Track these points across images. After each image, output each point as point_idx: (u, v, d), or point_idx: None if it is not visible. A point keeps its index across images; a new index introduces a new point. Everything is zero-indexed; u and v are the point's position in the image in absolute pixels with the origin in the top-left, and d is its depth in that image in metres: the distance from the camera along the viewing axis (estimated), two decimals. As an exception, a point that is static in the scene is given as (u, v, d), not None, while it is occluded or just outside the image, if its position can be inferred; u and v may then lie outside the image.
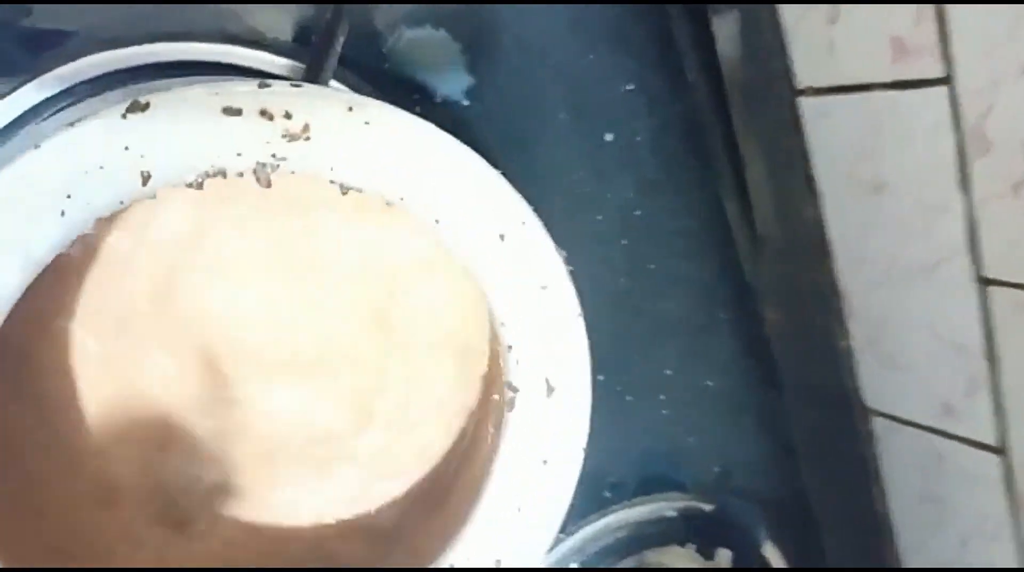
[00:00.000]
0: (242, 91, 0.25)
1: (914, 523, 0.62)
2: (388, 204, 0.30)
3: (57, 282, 0.29)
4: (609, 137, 0.54)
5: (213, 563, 0.37)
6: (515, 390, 0.34)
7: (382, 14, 0.46)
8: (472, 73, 0.50)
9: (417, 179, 0.29)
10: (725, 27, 0.57)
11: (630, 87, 0.54)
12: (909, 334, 0.57)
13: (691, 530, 0.59)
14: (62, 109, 0.39)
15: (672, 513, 0.60)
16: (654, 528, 0.59)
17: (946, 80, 0.48)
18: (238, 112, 0.26)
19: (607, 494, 0.58)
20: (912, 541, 0.63)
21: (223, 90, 0.25)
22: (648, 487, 0.59)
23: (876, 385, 0.61)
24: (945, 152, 0.49)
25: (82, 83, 0.40)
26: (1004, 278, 0.49)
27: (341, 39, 0.40)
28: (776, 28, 0.56)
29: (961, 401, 0.55)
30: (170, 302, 0.32)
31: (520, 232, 0.31)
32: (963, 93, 0.47)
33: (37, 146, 0.24)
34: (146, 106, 0.24)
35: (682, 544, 0.60)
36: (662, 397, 0.58)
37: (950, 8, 0.45)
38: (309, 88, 0.27)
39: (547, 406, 0.33)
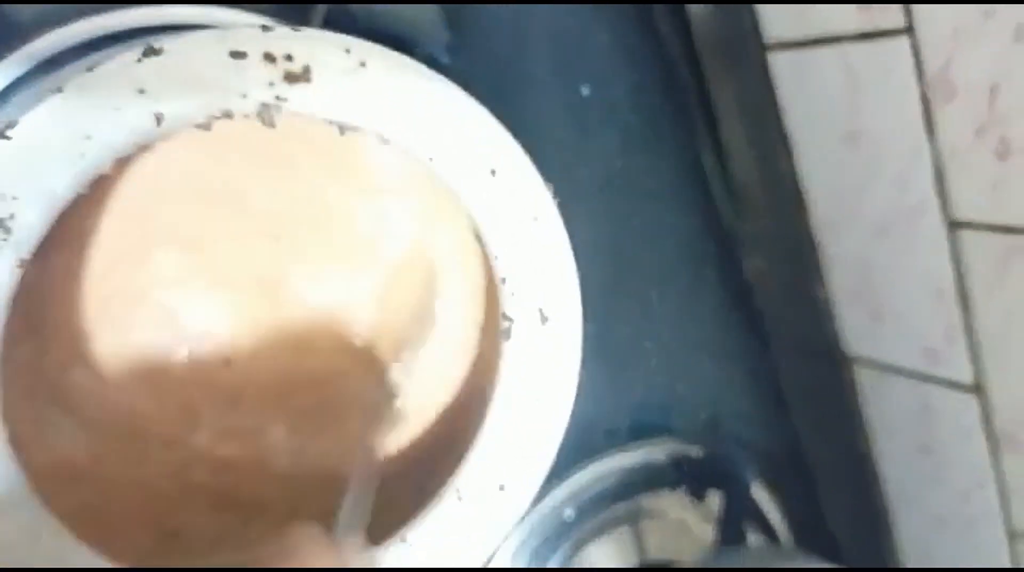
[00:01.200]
0: (247, 35, 0.27)
1: (907, 472, 0.64)
2: (383, 142, 0.31)
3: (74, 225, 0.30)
4: (586, 91, 0.55)
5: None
6: (510, 320, 0.35)
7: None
8: (452, 30, 0.51)
9: (411, 118, 0.31)
10: (694, -17, 0.58)
11: (605, 38, 0.55)
12: (888, 282, 0.58)
13: (682, 474, 0.61)
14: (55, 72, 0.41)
15: (662, 457, 0.61)
16: (646, 473, 0.60)
17: (908, 30, 0.49)
18: (243, 55, 0.27)
19: (600, 441, 0.60)
20: (907, 491, 0.65)
21: (230, 35, 0.27)
22: (639, 433, 0.61)
23: (858, 334, 0.62)
24: (911, 100, 0.50)
25: (70, 49, 0.42)
26: (972, 220, 0.51)
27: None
28: (742, -18, 0.57)
29: (942, 345, 0.56)
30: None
31: (510, 167, 0.33)
32: (924, 42, 0.48)
33: (60, 89, 0.25)
34: (159, 51, 0.26)
35: (673, 488, 0.61)
36: (648, 345, 0.60)
37: None
38: (309, 31, 0.28)
39: (541, 334, 0.35)
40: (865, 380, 0.64)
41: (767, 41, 0.58)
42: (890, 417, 0.64)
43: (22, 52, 0.41)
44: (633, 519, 0.60)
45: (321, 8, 0.40)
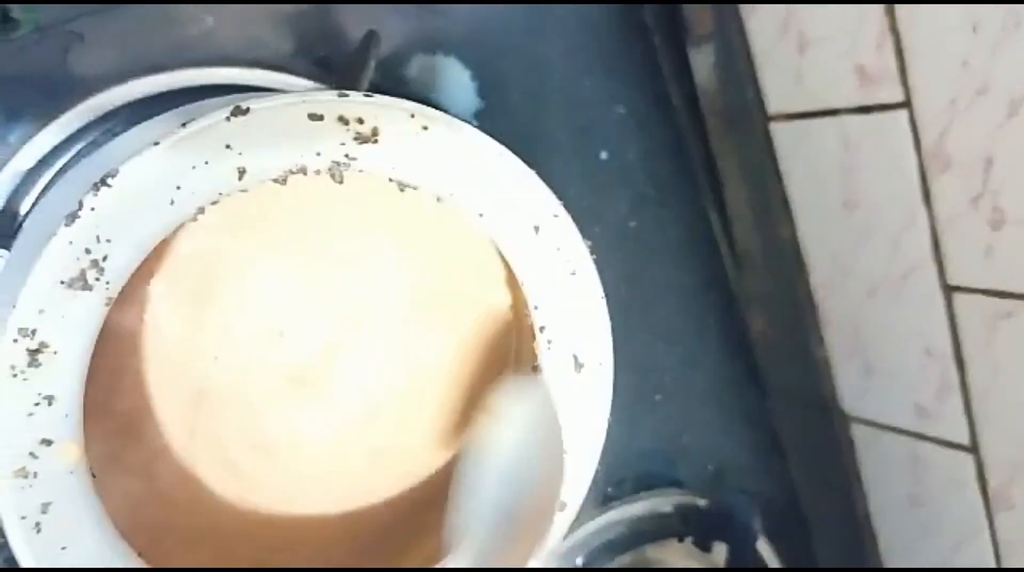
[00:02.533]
0: (325, 99, 0.30)
1: (900, 526, 0.65)
2: (439, 200, 0.34)
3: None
4: (604, 155, 0.58)
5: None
6: (539, 370, 0.38)
7: (399, 41, 0.51)
8: (480, 96, 0.54)
9: (466, 177, 0.34)
10: (702, 58, 0.61)
11: (622, 110, 0.58)
12: (883, 342, 0.61)
13: (688, 525, 0.62)
14: (119, 123, 0.44)
15: (669, 508, 0.62)
16: (653, 523, 0.62)
17: (906, 104, 0.52)
18: (320, 117, 0.30)
19: (608, 491, 0.61)
20: (900, 545, 0.66)
21: (310, 99, 0.29)
22: (646, 484, 0.62)
23: (854, 391, 0.64)
24: (909, 170, 0.53)
25: (128, 104, 0.45)
26: (968, 285, 0.53)
27: (372, 64, 0.45)
28: (748, 59, 0.61)
29: (934, 403, 0.58)
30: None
31: (552, 224, 0.35)
32: (922, 115, 0.51)
33: (157, 143, 0.28)
34: (246, 111, 0.29)
35: (680, 539, 0.62)
36: (658, 398, 0.62)
37: (907, 37, 0.50)
38: (379, 98, 0.31)
39: (575, 381, 0.37)
40: (860, 434, 0.66)
41: (770, 112, 0.61)
42: (884, 470, 0.66)
43: (83, 106, 0.44)
44: (640, 569, 0.61)
45: (369, 70, 0.43)
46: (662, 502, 0.62)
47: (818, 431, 0.68)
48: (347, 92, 0.30)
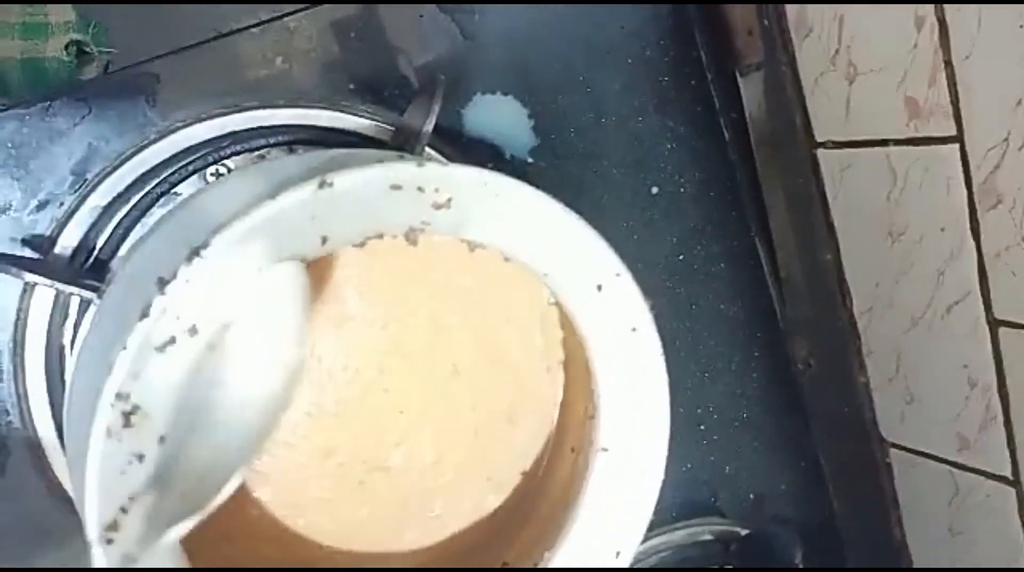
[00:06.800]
0: (405, 170, 0.31)
1: (938, 555, 0.66)
2: (506, 260, 0.35)
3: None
4: (655, 190, 0.59)
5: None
6: (595, 417, 0.39)
7: (460, 81, 0.52)
8: (536, 134, 0.55)
9: (532, 239, 0.35)
10: (751, 87, 0.62)
11: (673, 145, 0.59)
12: (925, 371, 0.61)
13: (729, 553, 0.63)
14: (193, 161, 0.46)
15: (709, 537, 0.63)
16: (694, 551, 0.62)
17: (957, 138, 0.53)
18: (400, 187, 0.31)
19: (651, 518, 0.62)
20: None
21: (391, 170, 0.31)
22: (689, 512, 0.63)
23: (894, 419, 0.65)
24: (958, 203, 0.54)
25: (206, 140, 0.47)
26: (1014, 320, 0.54)
27: (437, 108, 0.46)
28: (797, 87, 0.61)
29: (975, 435, 0.59)
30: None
31: (614, 282, 0.37)
32: (973, 150, 0.52)
33: (245, 215, 0.29)
34: (331, 184, 0.30)
35: (720, 568, 0.63)
36: (702, 428, 0.63)
37: (961, 72, 0.50)
38: (453, 168, 0.32)
39: (632, 433, 0.39)
40: (899, 462, 0.67)
41: (818, 139, 0.61)
42: (923, 498, 0.66)
43: (158, 145, 0.46)
44: (678, 598, 0.62)
45: (434, 114, 0.44)
46: (703, 530, 0.63)
47: (858, 457, 0.68)
48: (424, 162, 0.31)
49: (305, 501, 0.37)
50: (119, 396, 0.28)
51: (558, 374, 0.42)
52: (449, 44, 0.52)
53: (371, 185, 0.31)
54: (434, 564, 0.41)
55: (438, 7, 0.51)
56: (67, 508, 0.46)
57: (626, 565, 0.39)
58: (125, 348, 0.28)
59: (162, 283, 0.29)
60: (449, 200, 0.32)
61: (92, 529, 0.29)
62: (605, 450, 0.39)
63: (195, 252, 0.29)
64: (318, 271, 0.34)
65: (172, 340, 0.29)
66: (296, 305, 0.31)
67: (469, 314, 0.38)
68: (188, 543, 0.32)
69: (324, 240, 0.31)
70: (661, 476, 0.39)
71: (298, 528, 0.38)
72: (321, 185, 0.30)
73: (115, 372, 0.28)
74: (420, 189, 0.32)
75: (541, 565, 0.38)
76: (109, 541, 0.29)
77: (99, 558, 0.29)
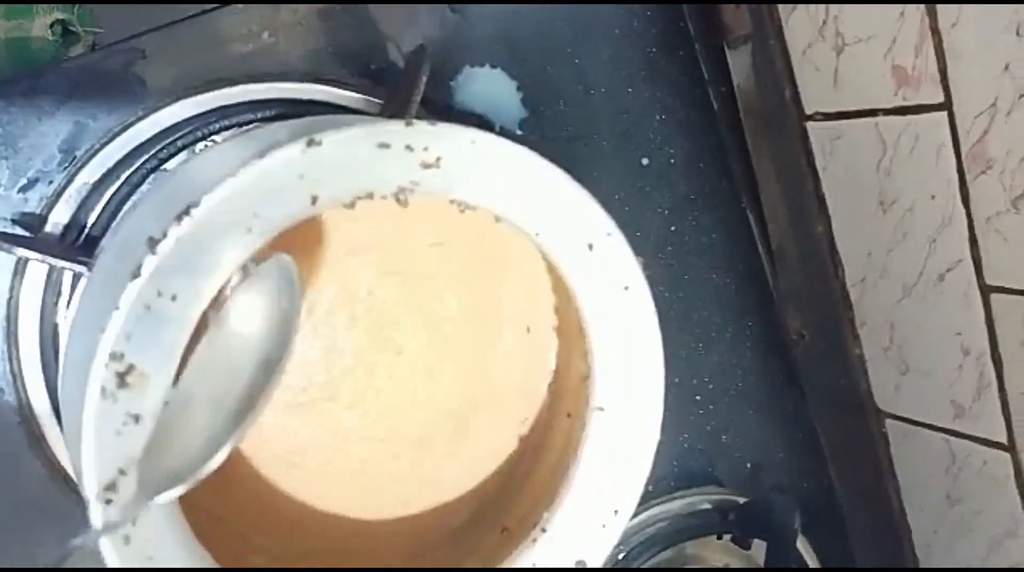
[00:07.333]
0: (393, 129, 0.31)
1: (936, 524, 0.66)
2: (497, 221, 0.35)
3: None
4: (645, 161, 0.59)
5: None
6: (590, 380, 0.39)
7: (447, 54, 0.52)
8: (525, 106, 0.55)
9: (523, 199, 0.35)
10: (740, 58, 0.62)
11: (663, 116, 0.59)
12: (918, 340, 0.61)
13: (727, 522, 0.63)
14: (181, 137, 0.46)
15: (708, 506, 0.63)
16: (692, 520, 0.62)
17: (945, 106, 0.53)
18: (388, 146, 0.31)
19: (649, 488, 0.62)
20: (935, 542, 0.67)
21: (379, 129, 0.31)
22: (686, 482, 0.64)
23: (889, 389, 0.65)
24: (947, 170, 0.54)
25: (189, 118, 0.47)
26: (1006, 285, 0.54)
27: (424, 79, 0.46)
28: (786, 59, 0.62)
29: (970, 402, 0.59)
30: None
31: (606, 241, 0.37)
32: (962, 117, 0.52)
33: (233, 175, 0.29)
34: (319, 143, 0.30)
35: (719, 536, 0.63)
36: (698, 398, 0.63)
37: (949, 40, 0.50)
38: (442, 126, 0.32)
39: (627, 395, 0.39)
40: (895, 431, 0.67)
41: (807, 111, 0.62)
42: (919, 467, 0.66)
43: (147, 121, 0.46)
44: (678, 565, 0.62)
45: (421, 84, 0.44)
46: (701, 500, 0.63)
47: (853, 428, 0.69)
48: (413, 122, 0.31)
49: (302, 463, 0.37)
50: (113, 356, 0.28)
51: (552, 339, 0.42)
52: (437, 17, 0.52)
53: (359, 143, 0.31)
54: (434, 529, 0.41)
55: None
56: (63, 486, 0.46)
57: (624, 523, 0.39)
58: (118, 308, 0.28)
59: (152, 243, 0.29)
60: (438, 159, 0.32)
61: (91, 487, 0.29)
62: (601, 409, 0.39)
63: (185, 211, 0.29)
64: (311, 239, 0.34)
65: (165, 299, 0.29)
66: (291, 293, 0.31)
67: (463, 278, 0.38)
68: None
69: (314, 200, 0.31)
70: (658, 434, 0.39)
71: (293, 492, 0.38)
72: (309, 143, 0.30)
73: (108, 331, 0.28)
74: (409, 147, 0.32)
75: (540, 525, 0.38)
76: (108, 501, 0.29)
77: (96, 517, 0.29)
